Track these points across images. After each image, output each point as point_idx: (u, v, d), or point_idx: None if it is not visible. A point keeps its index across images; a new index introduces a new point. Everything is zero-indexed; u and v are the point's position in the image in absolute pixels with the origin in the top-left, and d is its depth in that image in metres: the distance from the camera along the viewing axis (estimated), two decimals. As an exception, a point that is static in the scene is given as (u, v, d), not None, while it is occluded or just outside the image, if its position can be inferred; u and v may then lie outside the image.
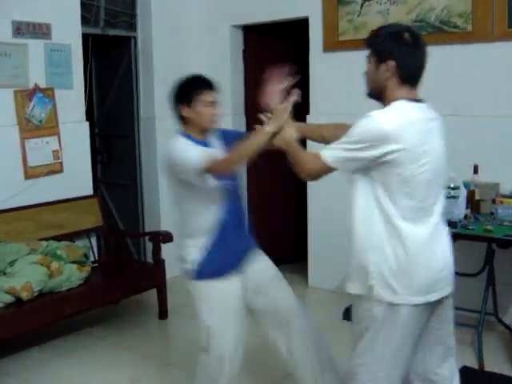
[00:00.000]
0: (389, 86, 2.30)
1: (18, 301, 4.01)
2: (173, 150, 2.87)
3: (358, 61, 4.76)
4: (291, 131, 2.65)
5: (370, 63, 2.36)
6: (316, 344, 3.14)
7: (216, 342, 2.94)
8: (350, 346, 2.41)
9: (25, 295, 4.01)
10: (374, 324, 2.28)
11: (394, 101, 2.26)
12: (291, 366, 3.17)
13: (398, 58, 2.25)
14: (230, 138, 3.06)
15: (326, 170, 2.36)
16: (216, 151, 2.93)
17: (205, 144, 2.97)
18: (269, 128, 2.69)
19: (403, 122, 2.19)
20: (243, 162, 2.96)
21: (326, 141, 2.68)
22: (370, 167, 2.24)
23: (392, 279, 2.23)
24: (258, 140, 2.74)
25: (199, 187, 2.84)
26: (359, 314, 2.35)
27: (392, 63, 2.25)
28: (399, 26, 2.43)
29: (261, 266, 3.18)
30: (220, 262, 2.94)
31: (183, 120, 2.99)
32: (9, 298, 3.99)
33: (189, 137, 2.94)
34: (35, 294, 4.08)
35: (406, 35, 2.26)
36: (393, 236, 2.23)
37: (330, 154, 2.32)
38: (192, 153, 2.79)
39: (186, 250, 2.98)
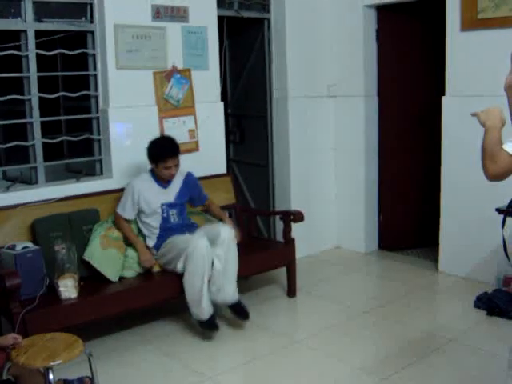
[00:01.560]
0: None
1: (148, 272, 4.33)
2: (132, 180, 4.40)
3: (499, 40, 4.67)
4: (499, 113, 2.26)
5: None
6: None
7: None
8: None
9: (156, 268, 4.33)
10: None
11: None
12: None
13: None
14: (189, 187, 4.54)
15: None
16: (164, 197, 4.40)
17: (164, 186, 4.41)
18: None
19: None
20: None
21: None
22: None
23: None
24: (135, 245, 4.38)
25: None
26: None
27: None
28: None
29: None
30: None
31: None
32: (141, 268, 4.30)
33: (153, 175, 4.40)
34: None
35: None
36: None
37: None
38: (125, 200, 4.34)
39: None
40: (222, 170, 5.32)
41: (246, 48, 6.03)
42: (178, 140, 4.42)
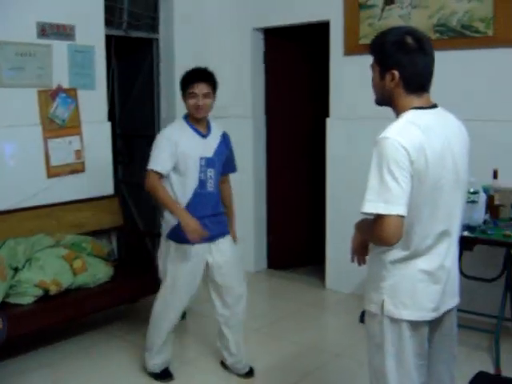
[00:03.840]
0: (395, 95, 2.20)
1: (45, 296, 4.08)
2: (162, 131, 3.78)
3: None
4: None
5: (375, 72, 2.27)
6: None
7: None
8: (368, 358, 2.43)
9: (54, 289, 4.08)
10: (384, 339, 2.28)
11: (403, 110, 2.17)
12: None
13: (401, 67, 2.14)
14: (227, 147, 3.84)
15: (401, 223, 2.07)
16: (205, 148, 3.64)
17: (202, 135, 3.66)
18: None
19: (418, 135, 2.09)
20: (153, 196, 3.62)
21: None
22: None
23: (399, 295, 2.24)
24: (175, 212, 3.52)
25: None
26: (372, 330, 2.35)
27: (396, 73, 2.15)
28: (401, 30, 2.22)
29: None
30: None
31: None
32: (39, 292, 4.05)
33: (187, 120, 3.67)
34: (63, 290, 4.15)
35: (409, 40, 2.14)
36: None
37: (389, 205, 2.05)
38: (158, 152, 3.59)
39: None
40: (110, 191, 5.23)
41: (134, 68, 5.99)
42: (62, 161, 4.26)
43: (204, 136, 3.67)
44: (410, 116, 2.15)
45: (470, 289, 4.39)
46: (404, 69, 2.15)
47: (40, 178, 4.67)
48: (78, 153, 4.93)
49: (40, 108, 4.69)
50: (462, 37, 4.58)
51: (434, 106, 2.24)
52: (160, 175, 3.55)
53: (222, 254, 3.74)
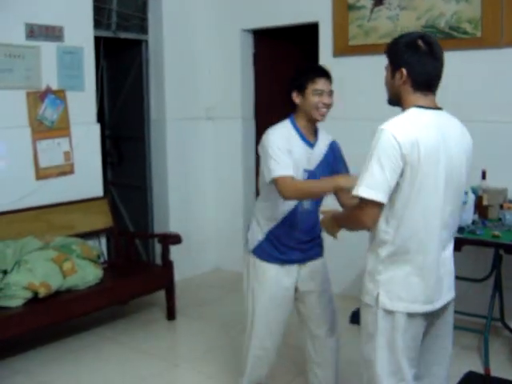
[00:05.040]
0: (403, 92, 2.33)
1: (34, 298, 4.06)
2: (268, 136, 2.96)
3: (367, 66, 4.90)
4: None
5: (388, 72, 2.40)
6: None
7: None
8: (359, 348, 2.45)
9: (43, 291, 4.06)
10: (376, 330, 2.32)
11: (408, 108, 2.30)
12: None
13: (410, 66, 2.28)
14: (335, 158, 3.18)
15: (378, 208, 2.24)
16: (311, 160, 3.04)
17: (310, 144, 3.06)
18: (341, 183, 2.75)
19: (414, 130, 2.20)
20: (302, 198, 2.99)
21: None
22: None
23: (394, 289, 2.30)
24: (324, 187, 2.84)
25: None
26: (366, 320, 2.40)
27: (403, 70, 2.29)
28: (414, 34, 2.39)
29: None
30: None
31: (295, 108, 3.08)
32: (28, 294, 4.03)
33: (295, 126, 3.05)
34: (52, 292, 4.13)
35: (420, 42, 2.28)
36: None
37: (370, 190, 2.19)
38: (277, 157, 2.87)
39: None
40: (99, 192, 5.22)
41: (123, 69, 5.98)
42: (51, 162, 4.22)
43: (311, 145, 3.07)
44: (410, 112, 2.28)
45: (459, 289, 4.38)
46: (412, 68, 2.29)
47: (29, 179, 4.65)
48: (67, 154, 4.92)
49: (28, 110, 4.67)
50: (450, 38, 4.60)
51: (438, 109, 2.36)
52: (291, 178, 2.89)
53: (311, 278, 3.25)
